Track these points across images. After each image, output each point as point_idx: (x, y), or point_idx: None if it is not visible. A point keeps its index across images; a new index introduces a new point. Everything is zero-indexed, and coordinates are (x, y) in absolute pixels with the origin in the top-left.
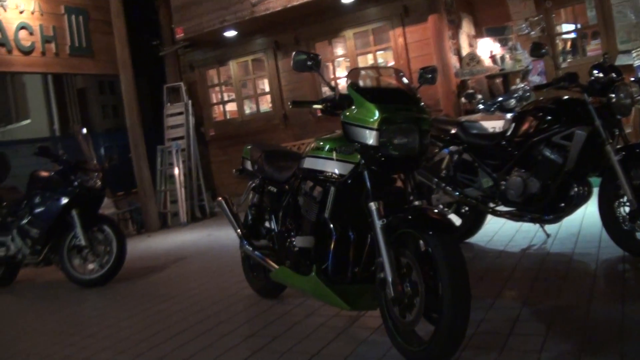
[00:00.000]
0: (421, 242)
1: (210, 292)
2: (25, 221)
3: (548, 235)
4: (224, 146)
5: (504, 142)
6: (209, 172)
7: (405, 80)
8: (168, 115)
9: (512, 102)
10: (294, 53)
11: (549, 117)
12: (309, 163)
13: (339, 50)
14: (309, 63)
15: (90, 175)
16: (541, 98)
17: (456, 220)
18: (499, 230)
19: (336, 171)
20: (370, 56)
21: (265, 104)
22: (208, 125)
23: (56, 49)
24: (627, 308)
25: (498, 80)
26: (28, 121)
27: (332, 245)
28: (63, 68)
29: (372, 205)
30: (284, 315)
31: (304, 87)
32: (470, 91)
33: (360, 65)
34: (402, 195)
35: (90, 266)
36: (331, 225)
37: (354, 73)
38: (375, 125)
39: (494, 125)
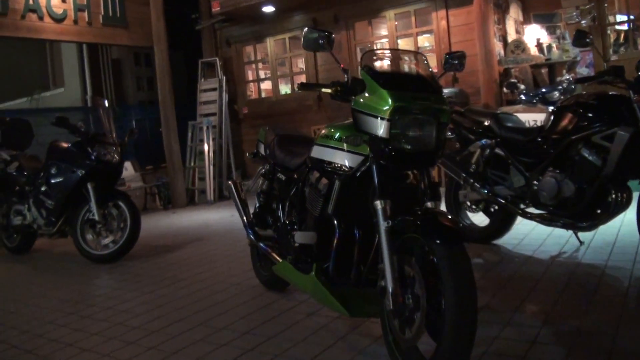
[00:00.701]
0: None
1: (217, 278)
2: (41, 191)
3: (581, 243)
4: (256, 125)
5: (540, 139)
6: (239, 150)
7: (427, 66)
8: (202, 91)
9: (556, 94)
10: (305, 30)
11: (590, 114)
12: (316, 152)
13: (379, 31)
14: (321, 42)
15: (108, 149)
16: (584, 92)
17: (484, 219)
18: (530, 233)
19: (345, 163)
20: (410, 39)
21: None
22: (241, 103)
23: (89, 18)
24: None
25: (544, 71)
26: (62, 89)
27: (335, 244)
28: (95, 38)
29: (378, 204)
30: (285, 312)
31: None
32: (513, 80)
33: (401, 48)
34: (415, 194)
35: (103, 242)
36: (335, 222)
37: (369, 55)
38: (387, 115)
39: (535, 118)
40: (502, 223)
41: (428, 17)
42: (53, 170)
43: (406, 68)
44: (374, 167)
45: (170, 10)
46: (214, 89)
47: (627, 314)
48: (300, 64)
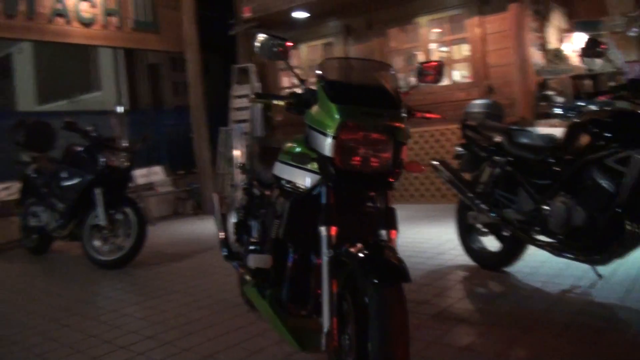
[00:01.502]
0: None
1: (207, 292)
2: (54, 194)
3: (599, 277)
4: (290, 132)
5: (551, 159)
6: None
7: (393, 78)
8: (235, 97)
9: (593, 108)
10: (258, 36)
11: (605, 134)
12: (277, 169)
13: (413, 38)
14: (274, 49)
15: (117, 155)
16: (605, 108)
17: (495, 244)
18: (547, 261)
19: (305, 182)
20: (444, 46)
21: None
22: (275, 110)
23: (119, 23)
24: None
25: (587, 82)
26: (99, 93)
27: (289, 270)
28: (125, 42)
29: (322, 230)
30: (255, 337)
31: None
32: (547, 92)
33: (434, 57)
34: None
35: (106, 248)
36: (289, 246)
37: (327, 64)
38: (332, 132)
39: None
40: (514, 249)
41: (463, 23)
42: (64, 174)
43: (367, 80)
44: (324, 188)
45: (207, 15)
46: (248, 96)
47: None
48: None
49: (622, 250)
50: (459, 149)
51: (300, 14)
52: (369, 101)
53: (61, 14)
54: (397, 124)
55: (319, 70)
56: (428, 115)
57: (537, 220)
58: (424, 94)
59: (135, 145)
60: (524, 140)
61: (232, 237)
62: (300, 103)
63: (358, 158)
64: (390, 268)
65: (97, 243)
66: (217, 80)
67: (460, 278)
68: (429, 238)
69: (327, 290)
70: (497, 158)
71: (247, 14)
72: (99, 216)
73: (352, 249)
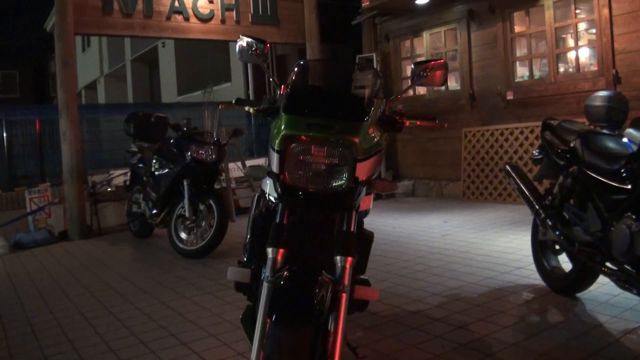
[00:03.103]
0: None
1: None
2: (149, 184)
3: None
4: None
5: (624, 171)
6: (393, 150)
7: (372, 83)
8: (355, 87)
9: None
10: (239, 39)
11: None
12: (263, 181)
13: (537, 21)
14: (251, 52)
15: (204, 148)
16: None
17: (567, 264)
18: None
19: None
20: (569, 29)
21: (456, 82)
22: (396, 101)
23: (237, 17)
24: None
25: None
26: (229, 84)
27: (260, 286)
28: None
29: (269, 252)
30: None
31: (495, 64)
32: None
33: (562, 44)
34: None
35: (188, 237)
36: (260, 263)
37: (300, 67)
38: (276, 146)
39: None
40: (585, 271)
41: (589, 4)
42: (157, 165)
43: (338, 86)
44: (279, 206)
45: (336, 4)
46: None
47: None
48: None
49: None
50: (536, 152)
51: (420, 0)
52: (326, 111)
53: (179, 11)
54: (351, 137)
55: (292, 74)
56: (421, 123)
57: (603, 242)
58: (545, 85)
59: (224, 139)
60: (602, 146)
61: None
62: (269, 110)
63: (303, 175)
64: (292, 307)
65: (182, 232)
66: None
67: (522, 301)
68: (518, 248)
69: (260, 319)
70: (569, 166)
71: (365, 2)
72: (185, 207)
73: (282, 276)
